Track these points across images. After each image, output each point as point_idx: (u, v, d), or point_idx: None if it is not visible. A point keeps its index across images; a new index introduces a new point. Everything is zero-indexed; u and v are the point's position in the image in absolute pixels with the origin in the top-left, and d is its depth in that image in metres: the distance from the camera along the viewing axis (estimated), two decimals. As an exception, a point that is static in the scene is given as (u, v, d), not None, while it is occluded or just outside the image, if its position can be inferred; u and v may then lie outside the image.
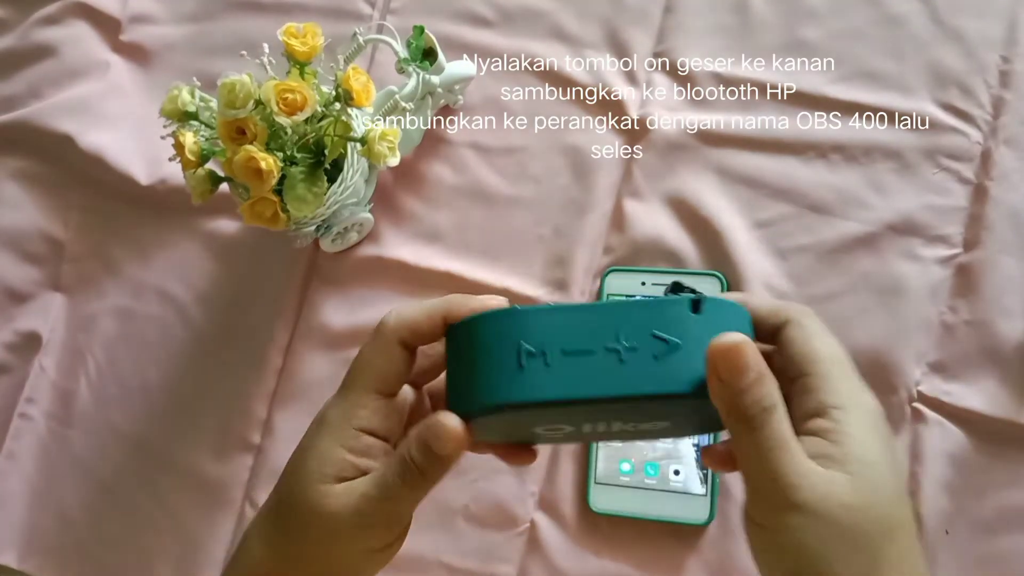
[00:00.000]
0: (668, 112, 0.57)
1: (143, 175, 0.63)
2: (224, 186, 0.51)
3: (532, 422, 0.31)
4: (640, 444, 0.51)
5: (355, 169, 0.52)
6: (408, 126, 0.56)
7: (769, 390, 0.28)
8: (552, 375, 0.28)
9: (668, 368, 0.28)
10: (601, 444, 0.52)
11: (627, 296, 0.54)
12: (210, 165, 0.51)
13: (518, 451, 0.36)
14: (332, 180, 0.50)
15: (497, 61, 0.60)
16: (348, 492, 0.31)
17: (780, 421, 0.28)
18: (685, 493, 0.51)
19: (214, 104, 0.50)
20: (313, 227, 0.54)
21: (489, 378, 0.29)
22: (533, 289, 0.56)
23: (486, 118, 0.59)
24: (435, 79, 0.55)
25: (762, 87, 0.56)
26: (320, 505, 0.31)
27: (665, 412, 0.30)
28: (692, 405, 0.29)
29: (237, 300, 0.60)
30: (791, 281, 0.53)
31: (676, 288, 0.51)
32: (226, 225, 0.61)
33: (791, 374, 0.30)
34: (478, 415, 0.30)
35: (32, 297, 0.64)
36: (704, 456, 0.34)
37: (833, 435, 0.28)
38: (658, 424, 0.31)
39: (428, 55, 0.54)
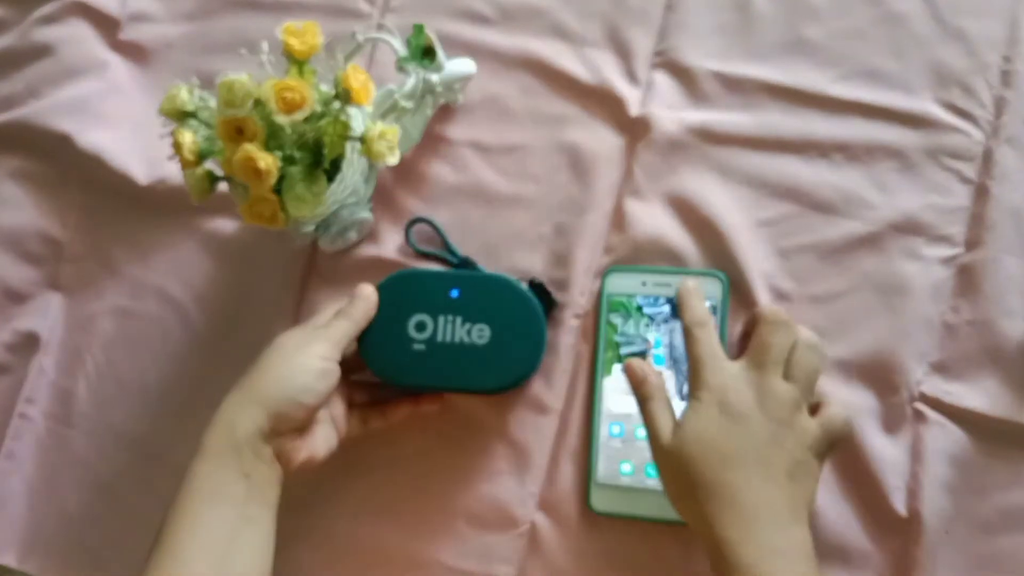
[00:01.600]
0: (669, 111, 0.56)
1: (142, 174, 0.62)
2: (223, 185, 0.51)
3: (411, 304, 0.51)
4: (640, 444, 0.51)
5: (354, 168, 0.52)
6: (408, 125, 0.56)
7: (648, 390, 0.46)
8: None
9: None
10: (602, 445, 0.52)
11: (628, 296, 0.54)
12: (209, 164, 0.50)
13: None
14: (331, 179, 0.50)
15: (497, 59, 0.60)
16: (302, 331, 0.50)
17: (655, 407, 0.45)
18: (686, 493, 0.50)
19: (213, 103, 0.50)
20: (312, 226, 0.54)
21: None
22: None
23: (486, 116, 0.59)
24: (435, 78, 0.55)
25: (763, 86, 0.56)
26: (280, 339, 0.49)
27: (491, 312, 0.50)
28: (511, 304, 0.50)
29: (236, 300, 0.60)
30: (793, 281, 0.53)
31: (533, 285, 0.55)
32: (225, 225, 0.61)
33: None
34: (382, 285, 0.52)
35: (31, 297, 0.64)
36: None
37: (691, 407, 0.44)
38: (483, 332, 0.50)
39: (428, 54, 0.54)
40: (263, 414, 0.45)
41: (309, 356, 0.47)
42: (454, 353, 0.50)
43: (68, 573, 0.59)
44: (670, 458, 0.43)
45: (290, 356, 0.47)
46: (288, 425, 0.46)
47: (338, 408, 0.51)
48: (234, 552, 0.44)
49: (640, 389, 0.46)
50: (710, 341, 0.45)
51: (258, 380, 0.47)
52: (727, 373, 0.44)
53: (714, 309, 0.52)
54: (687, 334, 0.46)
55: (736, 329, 0.52)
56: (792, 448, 0.42)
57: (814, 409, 0.45)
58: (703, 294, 0.48)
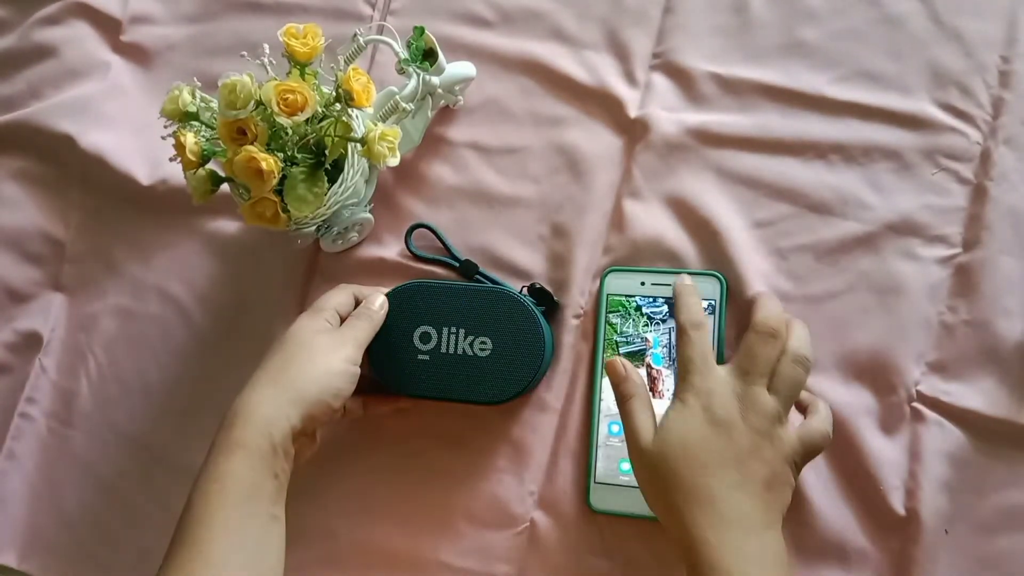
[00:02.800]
0: (667, 112, 0.57)
1: (144, 175, 0.63)
2: (225, 186, 0.51)
3: (416, 315, 0.52)
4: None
5: (355, 169, 0.52)
6: (408, 126, 0.56)
7: (630, 388, 0.46)
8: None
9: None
10: (601, 444, 0.52)
11: (627, 297, 0.54)
12: (211, 165, 0.51)
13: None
14: (332, 180, 0.50)
15: (497, 62, 0.60)
16: (321, 327, 0.49)
17: (635, 405, 0.45)
18: (685, 493, 0.50)
19: (215, 104, 0.50)
20: (313, 227, 0.54)
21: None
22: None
23: (486, 118, 0.59)
24: (435, 80, 0.55)
25: (761, 87, 0.56)
26: (303, 333, 0.49)
27: (494, 325, 0.51)
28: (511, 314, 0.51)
29: (238, 300, 0.60)
30: (790, 281, 0.53)
31: (532, 289, 0.55)
32: (227, 225, 0.61)
33: None
34: (390, 294, 0.53)
35: (33, 297, 0.64)
36: None
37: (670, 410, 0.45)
38: (484, 344, 0.51)
39: (428, 56, 0.54)
40: (298, 415, 0.45)
41: (340, 360, 0.47)
42: (457, 365, 0.51)
43: (68, 573, 0.60)
44: (650, 459, 0.43)
45: (323, 357, 0.47)
46: (313, 426, 0.47)
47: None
48: (263, 553, 0.44)
49: (620, 387, 0.46)
50: (703, 343, 0.45)
51: (295, 378, 0.46)
52: (715, 379, 0.44)
53: (712, 309, 0.52)
54: (680, 333, 0.46)
55: (735, 330, 0.53)
56: (771, 459, 0.42)
57: (800, 408, 0.46)
58: (700, 293, 0.48)
